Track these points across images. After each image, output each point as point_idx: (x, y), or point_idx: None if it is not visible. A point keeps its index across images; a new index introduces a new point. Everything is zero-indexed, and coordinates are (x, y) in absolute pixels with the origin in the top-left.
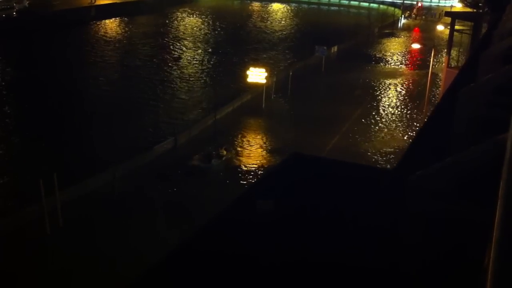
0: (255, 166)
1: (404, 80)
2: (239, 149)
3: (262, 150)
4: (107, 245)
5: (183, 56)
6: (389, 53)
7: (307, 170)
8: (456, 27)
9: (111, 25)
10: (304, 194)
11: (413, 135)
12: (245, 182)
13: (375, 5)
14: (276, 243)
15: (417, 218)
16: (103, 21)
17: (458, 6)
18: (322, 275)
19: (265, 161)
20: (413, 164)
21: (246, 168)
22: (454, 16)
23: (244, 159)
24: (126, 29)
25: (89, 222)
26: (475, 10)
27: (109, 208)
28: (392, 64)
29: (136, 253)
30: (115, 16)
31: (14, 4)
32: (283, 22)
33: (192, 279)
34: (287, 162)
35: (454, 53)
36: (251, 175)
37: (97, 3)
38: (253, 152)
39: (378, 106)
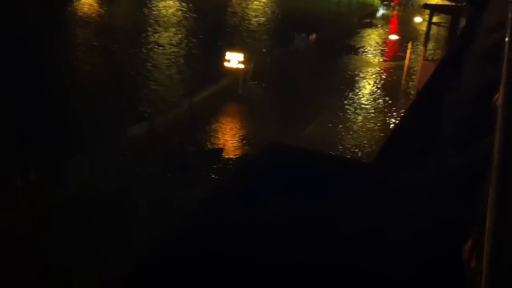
0: (231, 152)
1: (381, 71)
2: (214, 134)
3: (237, 136)
4: (75, 237)
5: (160, 39)
6: (367, 43)
7: (285, 162)
8: (434, 19)
9: (89, 5)
10: (283, 188)
11: (387, 124)
12: (220, 169)
13: None
14: (258, 242)
15: (406, 217)
16: (81, 1)
17: None
18: (306, 276)
19: (240, 147)
20: (394, 159)
21: (220, 155)
22: (433, 8)
23: (218, 145)
24: (104, 10)
25: (59, 212)
26: (453, 3)
27: (80, 194)
28: (369, 54)
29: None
30: None
31: None
32: (263, 7)
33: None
34: (264, 152)
35: (430, 45)
36: (227, 162)
37: None
38: (229, 138)
39: (354, 95)
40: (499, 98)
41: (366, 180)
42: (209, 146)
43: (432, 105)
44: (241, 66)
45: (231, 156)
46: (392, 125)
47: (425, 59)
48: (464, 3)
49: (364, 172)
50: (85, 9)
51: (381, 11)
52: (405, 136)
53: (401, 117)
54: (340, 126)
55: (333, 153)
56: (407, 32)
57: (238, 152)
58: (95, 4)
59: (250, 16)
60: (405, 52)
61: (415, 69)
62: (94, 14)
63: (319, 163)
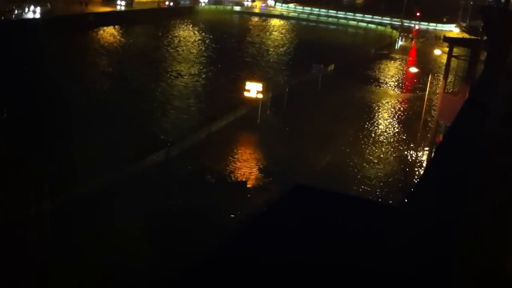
0: (251, 184)
1: (399, 103)
2: (233, 164)
3: (255, 166)
4: (93, 255)
5: (179, 68)
6: (384, 75)
7: (312, 207)
8: (453, 52)
9: (108, 33)
10: (311, 237)
11: (406, 157)
12: (240, 204)
13: (373, 26)
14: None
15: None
16: (101, 28)
17: (455, 31)
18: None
19: (258, 179)
20: (423, 202)
21: (239, 187)
22: (453, 42)
23: (237, 176)
24: (122, 38)
25: (78, 231)
26: (472, 37)
27: (97, 218)
28: (387, 85)
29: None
30: (112, 24)
31: (14, 7)
32: (281, 38)
33: None
34: (290, 196)
35: (450, 78)
36: (246, 195)
37: (91, 10)
38: (248, 169)
39: (371, 126)
40: None
41: (395, 226)
42: (230, 178)
43: (461, 151)
44: (260, 96)
45: (251, 188)
46: (411, 158)
47: (445, 91)
48: (484, 37)
49: (391, 217)
50: (106, 38)
51: (399, 43)
52: (433, 184)
53: (428, 164)
54: (358, 157)
55: (361, 196)
56: (426, 64)
57: (258, 184)
58: (116, 33)
59: (269, 46)
60: (424, 84)
61: (434, 101)
62: (114, 43)
63: (346, 207)
